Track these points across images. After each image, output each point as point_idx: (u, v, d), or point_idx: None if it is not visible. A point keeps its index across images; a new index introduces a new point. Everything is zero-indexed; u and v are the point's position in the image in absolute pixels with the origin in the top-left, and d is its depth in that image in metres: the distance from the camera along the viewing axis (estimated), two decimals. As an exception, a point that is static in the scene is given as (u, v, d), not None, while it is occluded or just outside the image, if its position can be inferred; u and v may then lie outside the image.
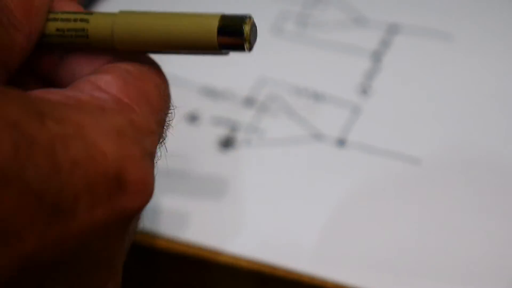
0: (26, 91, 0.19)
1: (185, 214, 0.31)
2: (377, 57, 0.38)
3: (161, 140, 0.21)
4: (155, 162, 0.21)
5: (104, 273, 0.19)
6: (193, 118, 0.36)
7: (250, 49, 0.20)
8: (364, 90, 0.36)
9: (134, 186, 0.18)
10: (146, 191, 0.19)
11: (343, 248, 0.30)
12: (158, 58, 0.23)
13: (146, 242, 0.31)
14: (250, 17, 0.19)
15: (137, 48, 0.21)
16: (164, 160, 0.21)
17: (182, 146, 0.34)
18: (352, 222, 0.30)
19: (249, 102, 0.37)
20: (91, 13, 0.21)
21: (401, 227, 0.30)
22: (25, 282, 0.16)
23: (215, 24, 0.19)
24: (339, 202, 0.31)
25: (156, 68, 0.22)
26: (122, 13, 0.21)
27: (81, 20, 0.21)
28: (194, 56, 0.22)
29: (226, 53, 0.20)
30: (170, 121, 0.22)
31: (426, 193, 0.31)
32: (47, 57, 0.22)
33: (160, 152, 0.21)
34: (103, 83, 0.20)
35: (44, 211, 0.16)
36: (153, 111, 0.20)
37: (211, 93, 0.37)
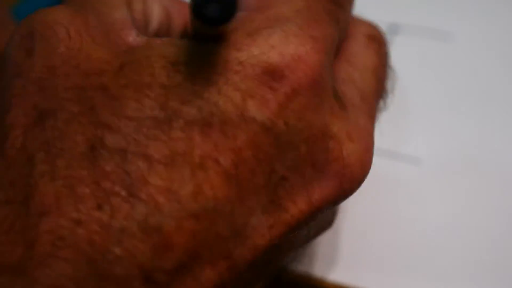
0: None
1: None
2: (377, 57, 0.37)
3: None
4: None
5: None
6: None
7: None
8: (364, 90, 0.36)
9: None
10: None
11: (342, 248, 0.29)
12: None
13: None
14: None
15: None
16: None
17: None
18: (352, 222, 0.30)
19: (248, 102, 0.36)
20: None
21: (400, 227, 0.30)
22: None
23: None
24: (339, 202, 0.31)
25: None
26: None
27: None
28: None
29: None
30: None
31: (426, 193, 0.31)
32: None
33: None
34: None
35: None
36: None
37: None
